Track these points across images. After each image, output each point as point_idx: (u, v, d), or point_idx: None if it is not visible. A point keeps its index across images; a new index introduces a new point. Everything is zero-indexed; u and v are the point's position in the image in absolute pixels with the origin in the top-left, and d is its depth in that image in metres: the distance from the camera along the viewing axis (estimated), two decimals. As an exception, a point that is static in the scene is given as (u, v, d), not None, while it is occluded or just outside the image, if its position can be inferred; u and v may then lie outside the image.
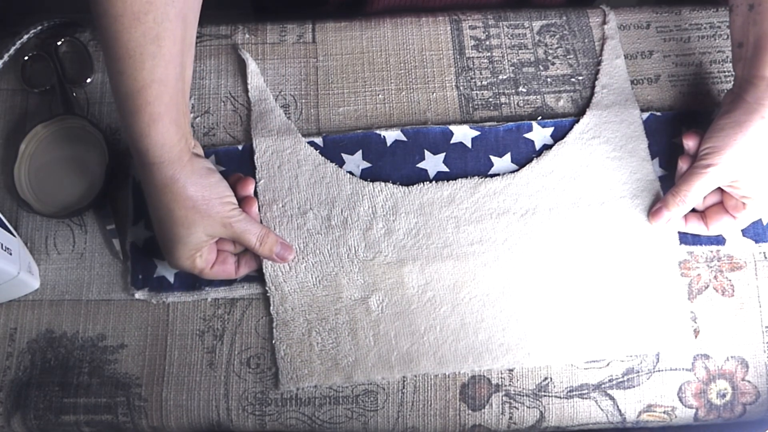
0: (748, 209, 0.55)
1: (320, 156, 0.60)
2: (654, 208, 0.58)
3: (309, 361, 0.56)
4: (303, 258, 0.58)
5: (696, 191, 0.55)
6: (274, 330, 0.57)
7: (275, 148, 0.61)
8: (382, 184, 0.59)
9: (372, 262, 0.57)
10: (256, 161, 0.60)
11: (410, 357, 0.56)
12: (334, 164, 0.60)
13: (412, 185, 0.59)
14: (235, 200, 0.55)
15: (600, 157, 0.60)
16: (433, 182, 0.59)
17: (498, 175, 0.60)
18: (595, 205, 0.59)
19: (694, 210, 0.58)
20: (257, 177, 0.60)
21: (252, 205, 0.57)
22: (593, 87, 0.63)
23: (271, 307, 0.57)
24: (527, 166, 0.60)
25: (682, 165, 0.57)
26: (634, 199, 0.59)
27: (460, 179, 0.59)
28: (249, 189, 0.57)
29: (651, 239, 0.58)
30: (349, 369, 0.56)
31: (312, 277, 0.57)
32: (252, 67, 0.63)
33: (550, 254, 0.58)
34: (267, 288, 0.57)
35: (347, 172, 0.60)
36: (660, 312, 0.57)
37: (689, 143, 0.57)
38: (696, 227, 0.58)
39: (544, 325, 0.56)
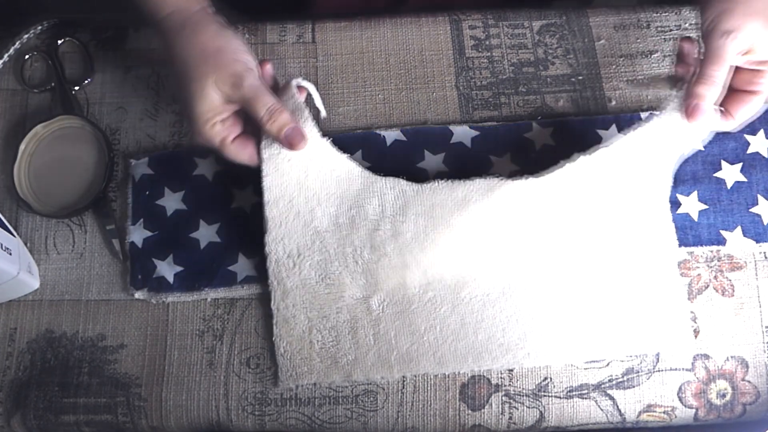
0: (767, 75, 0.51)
1: (331, 146, 0.56)
2: (689, 106, 0.51)
3: (309, 359, 0.56)
4: (308, 255, 0.57)
5: (722, 66, 0.50)
6: (275, 327, 0.57)
7: None
8: (394, 180, 0.57)
9: (376, 265, 0.56)
10: (262, 152, 0.55)
11: (410, 357, 0.56)
12: (346, 155, 0.57)
13: (425, 183, 0.57)
14: (252, 65, 0.51)
15: (615, 169, 0.56)
16: (448, 181, 0.56)
17: (517, 177, 0.56)
18: (604, 217, 0.57)
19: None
20: (263, 172, 0.55)
21: (264, 67, 0.54)
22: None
23: (272, 303, 0.57)
24: (545, 171, 0.56)
25: (680, 70, 0.55)
26: (637, 199, 0.58)
27: (476, 179, 0.56)
28: (266, 71, 0.55)
29: (651, 239, 0.58)
30: (349, 368, 0.56)
31: (315, 275, 0.57)
32: None
33: (551, 254, 0.57)
34: (269, 282, 0.57)
35: (357, 164, 0.57)
36: (660, 312, 0.57)
37: (685, 45, 0.55)
38: (724, 123, 0.53)
39: (544, 325, 0.56)
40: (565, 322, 0.56)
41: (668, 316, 0.56)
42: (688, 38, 0.56)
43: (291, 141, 0.51)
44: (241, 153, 0.53)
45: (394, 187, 0.57)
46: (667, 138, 0.55)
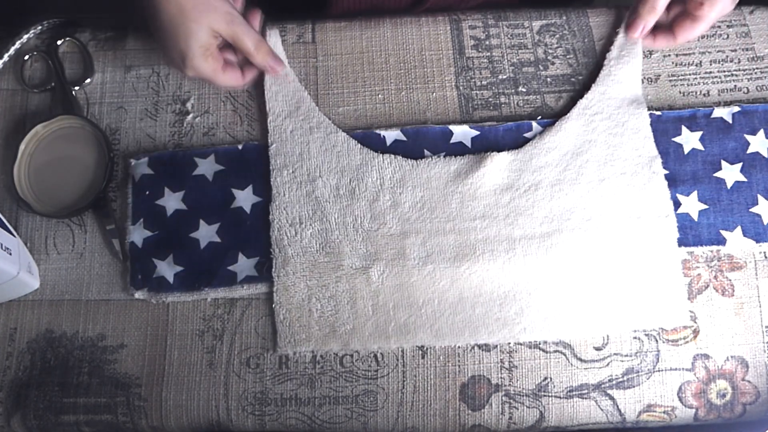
0: (707, 5, 0.59)
1: (332, 124, 0.61)
2: (628, 20, 0.63)
3: (307, 326, 0.57)
4: (310, 224, 0.58)
5: None
6: (275, 294, 0.57)
7: (288, 112, 0.61)
8: (391, 156, 0.60)
9: (376, 233, 0.58)
10: (269, 124, 0.61)
11: (407, 328, 0.56)
12: (344, 133, 0.61)
13: (421, 159, 0.60)
14: (236, 10, 0.59)
15: (603, 133, 0.60)
16: (441, 157, 0.60)
17: (504, 151, 0.60)
18: (596, 182, 0.59)
19: (658, 27, 0.63)
20: (269, 141, 0.61)
21: (255, 18, 0.62)
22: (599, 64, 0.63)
23: (273, 270, 0.57)
24: (531, 142, 0.60)
25: None
26: (635, 176, 0.59)
27: (467, 155, 0.60)
28: (255, 21, 0.62)
29: (649, 215, 0.58)
30: (347, 337, 0.56)
31: (316, 243, 0.58)
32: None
33: (550, 231, 0.58)
34: (271, 250, 0.58)
35: (356, 142, 0.61)
36: (655, 287, 0.57)
37: None
38: (665, 41, 0.63)
39: (540, 301, 0.57)
40: (562, 298, 0.57)
41: (664, 291, 0.57)
42: None
43: (273, 66, 0.61)
44: (231, 78, 0.60)
45: (391, 163, 0.60)
46: (624, 64, 0.63)
